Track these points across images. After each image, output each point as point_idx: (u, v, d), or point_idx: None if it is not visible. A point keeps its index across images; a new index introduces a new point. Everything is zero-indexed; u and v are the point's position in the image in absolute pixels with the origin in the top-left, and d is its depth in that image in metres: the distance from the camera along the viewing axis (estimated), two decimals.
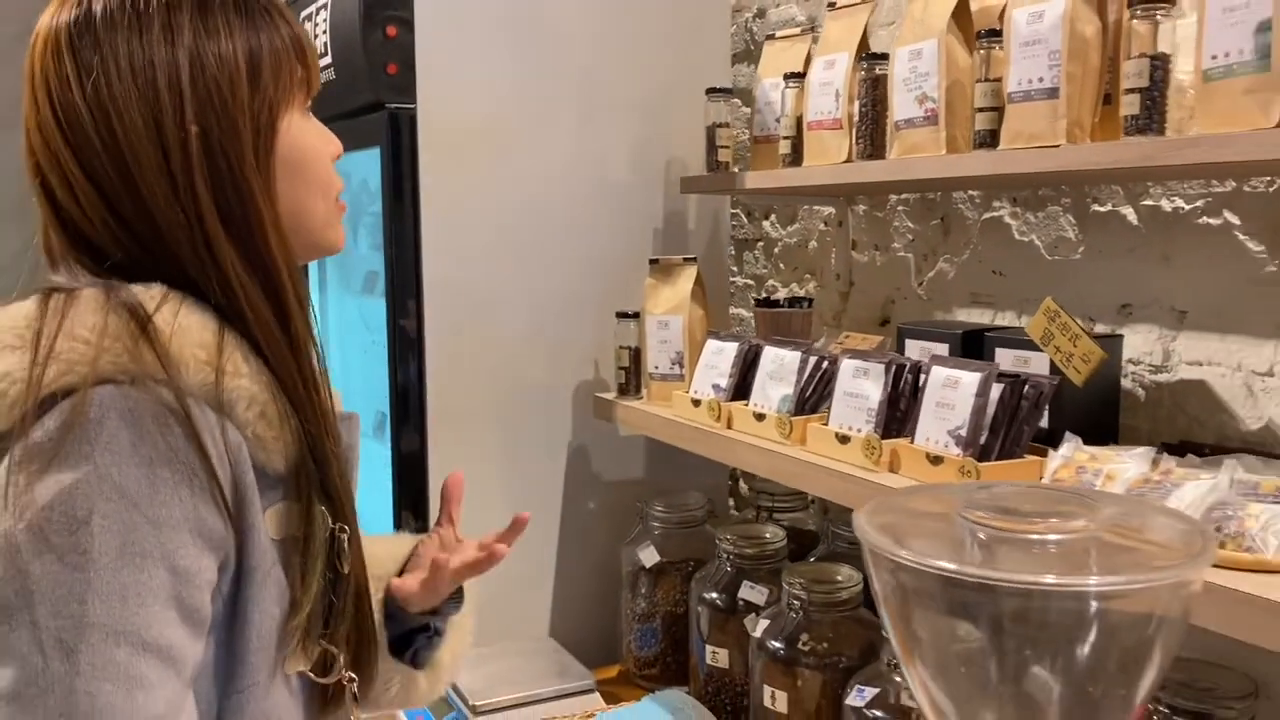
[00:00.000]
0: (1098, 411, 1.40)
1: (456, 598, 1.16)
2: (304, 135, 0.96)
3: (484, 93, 1.94)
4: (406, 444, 1.94)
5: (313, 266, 2.52)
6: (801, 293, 2.16)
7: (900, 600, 0.77)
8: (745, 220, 2.33)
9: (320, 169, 0.98)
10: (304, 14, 2.12)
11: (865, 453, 1.35)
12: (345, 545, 0.96)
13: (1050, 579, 0.75)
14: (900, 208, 1.92)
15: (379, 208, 1.96)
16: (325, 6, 2.00)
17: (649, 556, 1.88)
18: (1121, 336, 1.48)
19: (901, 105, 1.50)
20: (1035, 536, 0.76)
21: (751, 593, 1.68)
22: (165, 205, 0.87)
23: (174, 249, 0.88)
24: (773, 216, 2.25)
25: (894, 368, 1.37)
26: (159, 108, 0.87)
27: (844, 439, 1.39)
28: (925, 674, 0.79)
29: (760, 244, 2.29)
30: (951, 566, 0.75)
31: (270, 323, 0.90)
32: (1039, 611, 0.76)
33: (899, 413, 1.37)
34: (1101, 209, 1.55)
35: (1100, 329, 1.55)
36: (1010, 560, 0.76)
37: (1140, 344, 1.50)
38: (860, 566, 1.63)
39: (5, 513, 0.78)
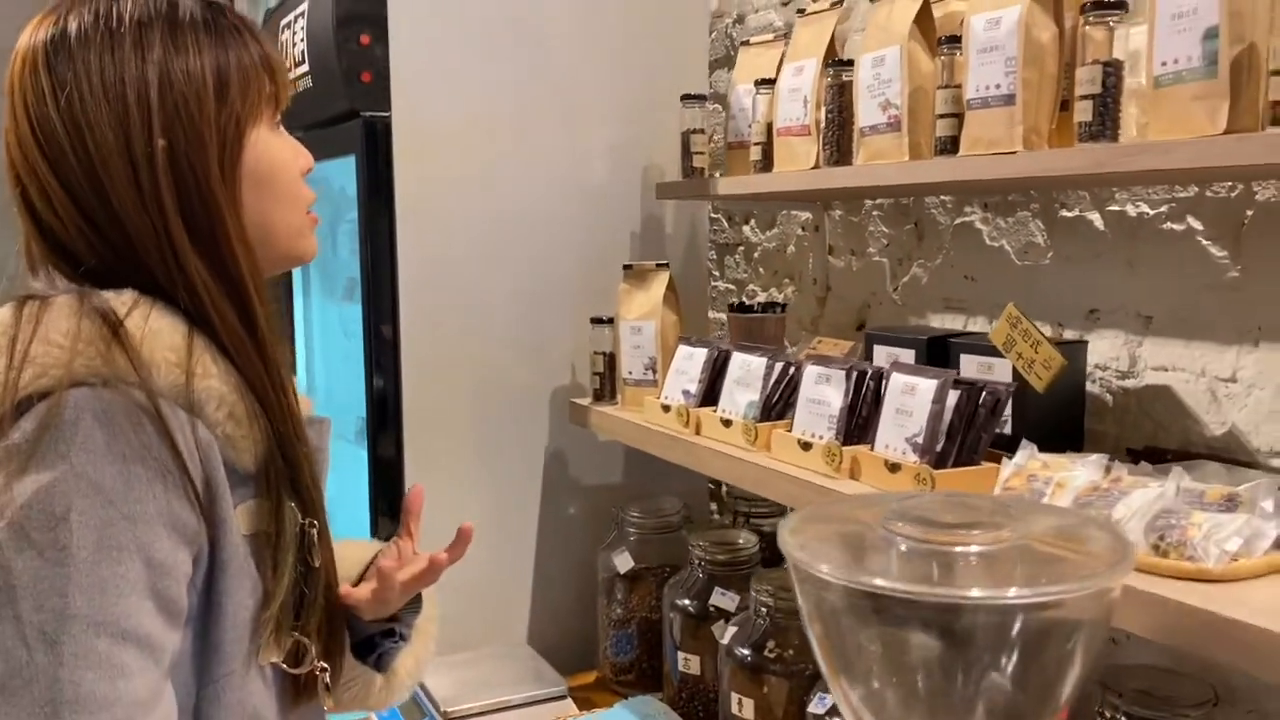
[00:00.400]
0: (1062, 418, 1.40)
1: (414, 606, 1.18)
2: (271, 149, 1.00)
3: (460, 99, 1.95)
4: (383, 449, 1.95)
5: (296, 273, 2.54)
6: (780, 297, 2.16)
7: (824, 614, 0.78)
8: (726, 225, 2.33)
9: (288, 182, 1.01)
10: (283, 23, 2.13)
11: (826, 460, 1.35)
12: (315, 540, 0.99)
13: (974, 592, 0.75)
14: (875, 213, 1.92)
15: (357, 215, 1.97)
16: (302, 15, 2.00)
17: (623, 562, 1.88)
18: (1086, 343, 1.47)
19: (866, 112, 1.50)
20: (958, 549, 0.76)
21: (723, 599, 1.68)
22: (135, 214, 0.91)
23: (144, 256, 0.92)
24: (752, 221, 2.25)
25: (855, 374, 1.37)
26: (127, 122, 0.91)
27: (806, 446, 1.39)
28: (851, 688, 0.79)
29: (741, 249, 2.29)
30: (877, 582, 0.75)
31: (236, 327, 0.94)
32: (962, 623, 0.76)
33: (860, 419, 1.37)
34: (1069, 214, 1.54)
35: (1069, 335, 1.55)
36: (933, 572, 0.76)
37: (1107, 349, 1.49)
38: None
39: None
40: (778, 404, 1.53)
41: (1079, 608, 0.73)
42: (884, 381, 1.35)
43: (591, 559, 2.04)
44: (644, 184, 2.12)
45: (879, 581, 0.74)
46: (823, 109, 1.60)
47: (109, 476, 0.83)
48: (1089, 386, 1.49)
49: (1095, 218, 1.50)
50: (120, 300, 0.90)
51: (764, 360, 1.54)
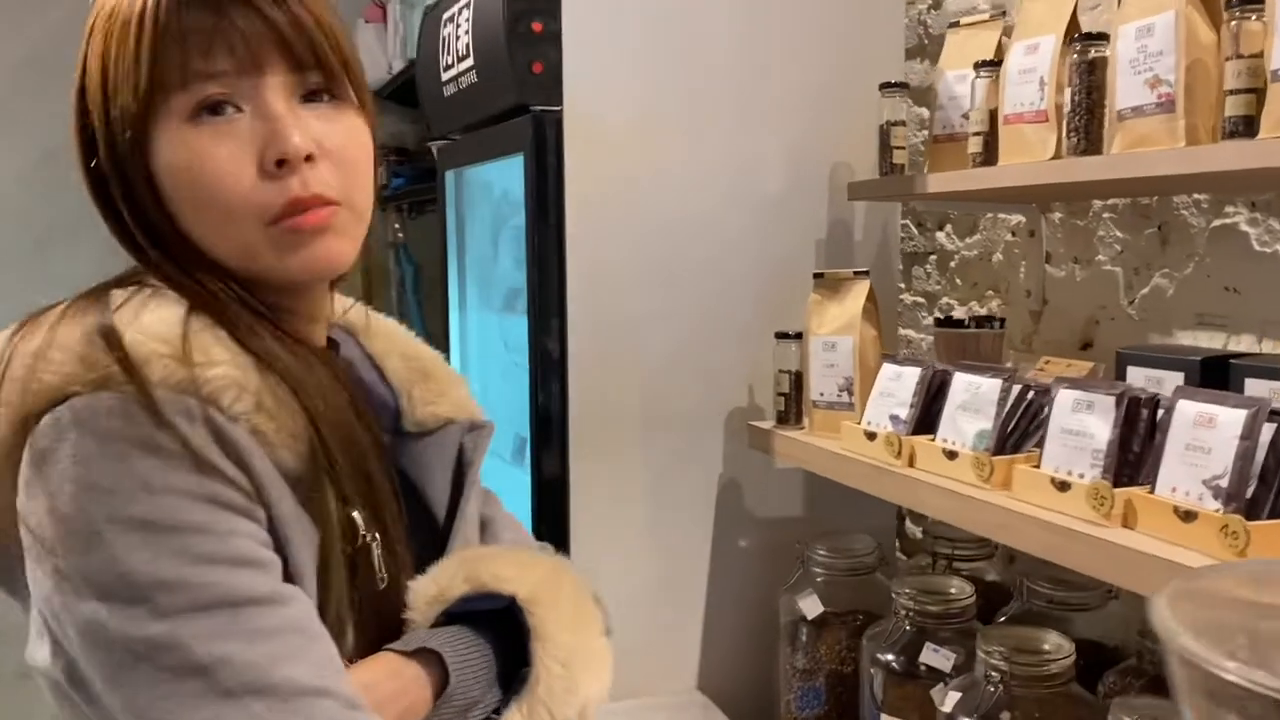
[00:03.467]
0: None
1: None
2: (184, 147, 0.81)
3: (636, 93, 1.79)
4: (547, 469, 1.79)
5: (452, 281, 2.42)
6: (983, 311, 1.93)
7: None
8: (916, 231, 2.11)
9: (213, 192, 0.81)
10: (445, 16, 2.01)
11: (1092, 503, 1.12)
12: (376, 560, 0.84)
13: None
14: (1106, 214, 1.68)
15: (522, 220, 1.83)
16: (467, 5, 1.88)
17: (811, 606, 1.67)
18: None
19: (1126, 91, 1.27)
20: None
21: (935, 657, 1.46)
22: (108, 220, 0.87)
23: (131, 254, 0.87)
24: (948, 227, 2.03)
25: (1126, 401, 1.14)
26: (84, 143, 0.86)
27: (1063, 486, 1.17)
28: None
29: (933, 257, 2.07)
30: None
31: (242, 314, 0.83)
32: None
33: (1132, 456, 1.14)
34: None
35: None
36: None
37: None
38: (1066, 630, 1.40)
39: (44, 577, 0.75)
40: (1014, 435, 1.31)
41: None
42: (1162, 410, 1.12)
43: (768, 599, 1.84)
44: (831, 186, 1.93)
45: None
46: (1065, 91, 1.38)
47: (111, 476, 0.73)
48: None
49: None
50: (117, 297, 0.81)
51: (998, 383, 1.32)
